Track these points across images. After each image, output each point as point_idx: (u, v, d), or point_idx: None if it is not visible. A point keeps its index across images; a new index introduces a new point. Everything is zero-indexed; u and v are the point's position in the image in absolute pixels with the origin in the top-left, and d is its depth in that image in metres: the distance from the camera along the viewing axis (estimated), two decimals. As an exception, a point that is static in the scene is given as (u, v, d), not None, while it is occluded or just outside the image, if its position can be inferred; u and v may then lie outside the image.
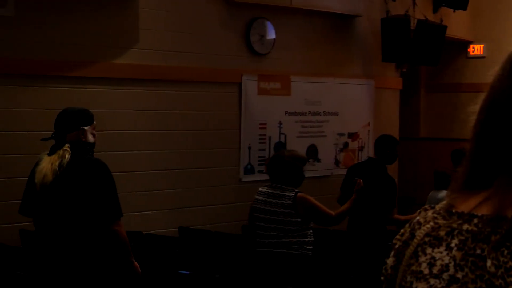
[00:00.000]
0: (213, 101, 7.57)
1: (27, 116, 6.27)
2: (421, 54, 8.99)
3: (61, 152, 3.54)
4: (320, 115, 8.66)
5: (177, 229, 6.31)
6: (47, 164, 3.53)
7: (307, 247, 4.89)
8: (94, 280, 3.40)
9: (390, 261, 1.34)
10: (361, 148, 9.13)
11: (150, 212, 6.92)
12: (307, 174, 5.42)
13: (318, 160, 8.58)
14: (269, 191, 5.00)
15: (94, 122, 3.71)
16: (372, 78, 9.24)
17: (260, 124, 8.02)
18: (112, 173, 3.63)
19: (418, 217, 1.32)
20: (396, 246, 1.34)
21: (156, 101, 7.13)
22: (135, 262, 3.63)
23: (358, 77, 9.07)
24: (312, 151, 8.54)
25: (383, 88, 9.45)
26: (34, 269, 4.01)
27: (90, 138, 3.64)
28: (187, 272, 4.30)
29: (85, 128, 3.62)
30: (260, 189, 5.14)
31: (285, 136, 8.28)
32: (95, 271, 3.41)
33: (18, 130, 6.23)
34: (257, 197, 5.06)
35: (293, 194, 4.88)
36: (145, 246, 5.41)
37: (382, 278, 1.36)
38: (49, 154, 3.58)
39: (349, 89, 8.91)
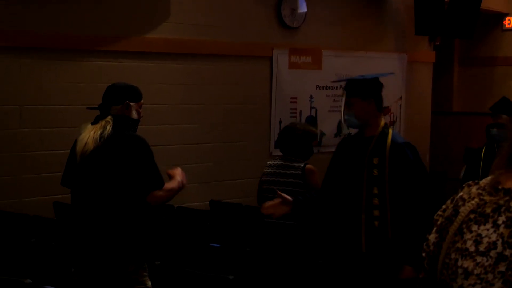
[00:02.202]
0: (244, 75, 7.56)
1: (60, 91, 6.34)
2: (455, 27, 8.84)
3: (103, 122, 3.58)
4: (352, 89, 8.58)
5: (208, 202, 6.34)
6: (89, 132, 3.57)
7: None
8: (125, 253, 3.45)
9: (432, 237, 1.30)
10: (392, 123, 9.07)
11: (181, 185, 6.96)
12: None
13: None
14: (279, 163, 5.12)
15: (142, 101, 3.72)
16: (404, 52, 9.13)
17: (291, 98, 8.00)
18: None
19: (461, 193, 1.28)
20: (438, 222, 1.30)
21: (188, 75, 7.15)
22: (178, 183, 3.65)
23: (390, 51, 8.97)
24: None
25: (415, 62, 9.34)
26: (67, 241, 4.07)
27: (134, 115, 3.65)
28: (218, 245, 4.33)
29: (131, 103, 3.64)
30: (268, 162, 5.25)
31: (316, 110, 8.25)
32: (128, 243, 3.45)
33: (52, 104, 6.31)
34: (266, 170, 5.16)
35: (302, 165, 5.02)
36: (177, 219, 5.46)
37: (423, 254, 1.32)
38: (93, 124, 3.62)
39: (381, 63, 8.81)
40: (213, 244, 4.37)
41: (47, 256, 4.03)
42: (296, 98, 8.04)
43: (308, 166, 5.01)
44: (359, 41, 8.60)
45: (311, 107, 8.21)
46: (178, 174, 3.72)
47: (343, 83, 4.10)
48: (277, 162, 5.14)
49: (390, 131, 3.77)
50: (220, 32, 7.34)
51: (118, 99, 3.63)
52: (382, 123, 3.79)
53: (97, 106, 3.69)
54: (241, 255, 4.12)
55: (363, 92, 3.79)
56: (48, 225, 5.00)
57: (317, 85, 8.24)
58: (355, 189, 3.73)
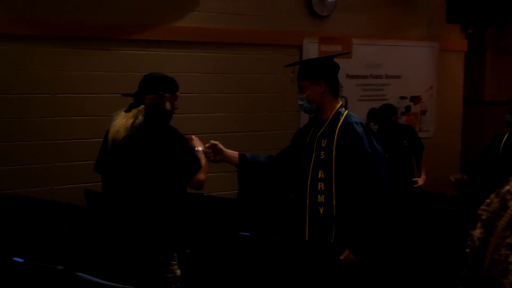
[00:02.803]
0: (273, 64, 7.54)
1: (91, 79, 6.39)
2: (488, 15, 8.71)
3: (135, 111, 3.59)
4: (382, 78, 8.54)
5: (237, 191, 6.35)
6: (122, 120, 3.59)
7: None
8: (154, 241, 3.47)
9: (477, 232, 1.24)
10: (423, 112, 8.99)
11: (210, 174, 6.98)
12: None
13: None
14: None
15: (177, 93, 3.72)
16: (436, 40, 9.03)
17: (321, 87, 7.96)
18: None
19: (508, 187, 1.23)
20: (483, 217, 1.24)
21: (217, 64, 7.15)
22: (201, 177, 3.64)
23: (422, 39, 8.88)
24: (373, 115, 8.44)
25: (447, 50, 9.23)
26: (98, 228, 4.11)
27: (168, 106, 3.65)
28: (247, 234, 4.34)
29: (165, 94, 3.64)
30: None
31: (346, 99, 8.20)
32: (158, 232, 3.47)
33: (82, 93, 6.36)
34: None
35: None
36: (206, 208, 5.48)
37: (467, 250, 1.27)
38: (126, 111, 3.64)
39: (412, 51, 8.73)
40: (242, 233, 4.37)
41: (78, 243, 4.07)
42: (325, 87, 8.00)
43: None
44: (389, 29, 8.53)
45: (341, 96, 8.15)
46: (197, 141, 3.78)
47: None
48: None
49: (345, 112, 3.56)
50: (249, 21, 7.32)
51: (153, 89, 3.63)
52: (338, 105, 3.58)
53: (132, 93, 3.70)
54: (271, 244, 4.12)
55: (312, 75, 3.62)
56: (79, 212, 5.06)
57: (347, 74, 8.19)
58: (303, 174, 3.57)
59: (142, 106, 3.58)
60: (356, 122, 3.48)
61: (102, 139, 3.75)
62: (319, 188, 3.47)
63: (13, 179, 5.99)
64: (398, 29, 8.64)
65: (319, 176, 3.47)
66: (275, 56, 7.58)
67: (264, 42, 7.44)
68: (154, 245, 3.47)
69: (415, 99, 8.88)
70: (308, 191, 3.51)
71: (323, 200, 3.45)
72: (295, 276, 3.47)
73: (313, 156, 3.51)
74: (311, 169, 3.51)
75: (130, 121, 3.55)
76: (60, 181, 6.24)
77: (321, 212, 3.45)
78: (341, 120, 3.50)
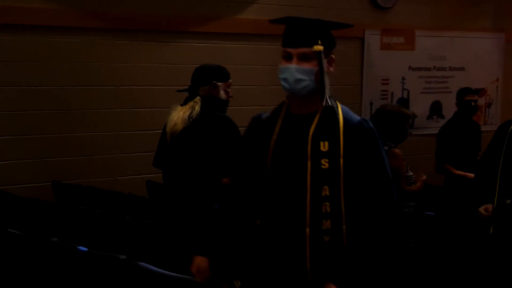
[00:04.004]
0: (334, 56, 7.47)
1: (153, 71, 6.46)
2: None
3: (191, 103, 3.62)
4: (445, 70, 8.38)
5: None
6: (178, 113, 3.62)
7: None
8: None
9: None
10: (488, 105, 8.78)
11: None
12: (431, 131, 5.29)
13: (443, 117, 8.34)
14: None
15: (230, 80, 3.73)
16: (502, 31, 8.80)
17: (383, 79, 7.87)
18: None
19: None
20: None
21: (277, 57, 7.11)
22: None
23: (487, 30, 8.66)
24: (436, 108, 8.30)
25: (514, 41, 8.99)
26: (159, 219, 4.16)
27: (222, 95, 3.67)
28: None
29: (218, 83, 3.65)
30: None
31: (408, 92, 8.09)
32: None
33: (145, 85, 6.44)
34: None
35: (387, 148, 4.73)
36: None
37: None
38: (182, 105, 3.67)
39: (477, 43, 8.54)
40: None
41: (140, 233, 4.12)
42: (387, 79, 7.90)
43: (392, 150, 4.77)
44: (453, 20, 8.35)
45: (403, 89, 8.05)
46: None
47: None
48: None
49: (339, 104, 2.68)
50: (310, 13, 7.27)
51: (205, 80, 3.66)
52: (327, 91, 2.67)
53: (186, 88, 3.73)
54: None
55: (326, 41, 2.78)
56: (141, 203, 5.12)
57: (409, 66, 8.07)
58: (293, 191, 2.53)
59: (197, 98, 3.61)
60: (365, 120, 2.65)
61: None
62: (324, 211, 2.52)
63: (77, 170, 6.11)
64: (463, 20, 8.45)
65: (324, 194, 2.52)
66: (337, 48, 7.49)
67: (325, 34, 7.38)
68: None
69: (480, 92, 8.68)
70: (308, 215, 2.51)
71: (329, 227, 2.51)
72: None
73: (309, 165, 2.52)
74: (309, 184, 2.52)
75: (187, 113, 3.58)
76: (122, 172, 6.34)
77: (327, 241, 2.52)
78: (341, 116, 2.60)
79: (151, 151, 4.09)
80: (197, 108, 3.58)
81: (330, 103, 2.63)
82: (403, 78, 8.03)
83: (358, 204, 2.54)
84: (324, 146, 2.55)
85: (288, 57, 2.67)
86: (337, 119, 2.59)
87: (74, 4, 6.03)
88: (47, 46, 5.95)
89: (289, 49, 2.67)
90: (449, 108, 8.36)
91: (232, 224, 2.66)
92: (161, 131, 3.95)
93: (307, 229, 2.51)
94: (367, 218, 2.53)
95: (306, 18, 2.75)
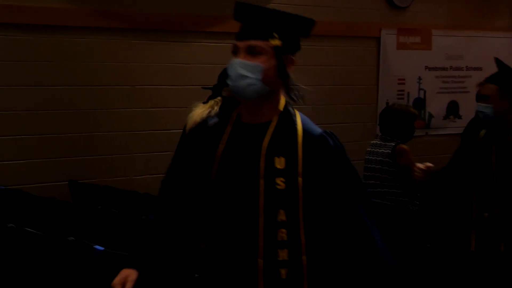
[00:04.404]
0: (350, 56, 7.46)
1: (169, 71, 6.47)
2: None
3: (212, 102, 3.61)
4: (462, 70, 8.33)
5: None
6: (199, 110, 3.62)
7: (404, 199, 4.80)
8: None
9: None
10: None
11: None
12: (447, 131, 5.28)
13: (459, 117, 8.29)
14: (376, 142, 5.06)
15: None
16: (521, 31, 8.73)
17: (399, 79, 7.83)
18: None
19: None
20: None
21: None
22: None
23: (505, 29, 8.59)
24: (453, 107, 8.25)
25: (532, 41, 8.91)
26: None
27: None
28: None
29: None
30: (371, 142, 5.18)
31: (425, 92, 8.05)
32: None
33: (161, 84, 6.45)
34: (367, 149, 5.10)
35: (394, 144, 4.90)
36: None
37: None
38: (204, 103, 3.68)
39: (495, 42, 8.47)
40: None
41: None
42: (404, 79, 7.87)
43: (399, 145, 4.89)
44: (471, 20, 8.30)
45: (419, 89, 8.02)
46: None
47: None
48: (376, 141, 5.10)
49: (297, 113, 2.31)
50: (326, 12, 7.26)
51: (220, 81, 3.66)
52: (283, 100, 2.27)
53: (211, 86, 3.73)
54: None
55: (283, 34, 2.34)
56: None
57: (426, 66, 8.03)
58: (242, 214, 2.16)
59: (219, 98, 3.60)
60: (328, 133, 2.32)
61: (180, 130, 3.79)
62: (279, 239, 2.14)
63: (93, 169, 6.14)
64: (480, 20, 8.39)
65: (279, 219, 2.13)
66: (352, 47, 7.49)
67: (341, 34, 7.37)
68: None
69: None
70: (260, 245, 2.14)
71: (286, 258, 2.14)
72: None
73: (262, 184, 2.14)
74: (261, 207, 2.13)
75: (206, 111, 3.58)
76: (138, 171, 6.35)
77: (284, 277, 2.14)
78: (300, 127, 2.23)
79: (167, 150, 4.11)
80: (216, 108, 3.58)
81: (288, 110, 2.25)
82: (420, 78, 7.99)
83: (322, 232, 2.14)
84: (280, 163, 2.14)
85: (235, 52, 2.26)
86: (295, 130, 2.20)
87: (88, 4, 6.06)
88: (63, 46, 5.98)
89: (236, 43, 2.26)
90: (466, 108, 8.30)
91: (166, 239, 2.27)
92: (178, 130, 3.95)
93: (260, 261, 2.12)
94: (336, 252, 2.15)
95: (258, 6, 2.29)
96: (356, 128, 7.49)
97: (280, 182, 2.14)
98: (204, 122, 2.43)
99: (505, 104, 3.81)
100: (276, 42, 2.24)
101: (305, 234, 2.14)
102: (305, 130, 2.22)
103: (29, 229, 3.58)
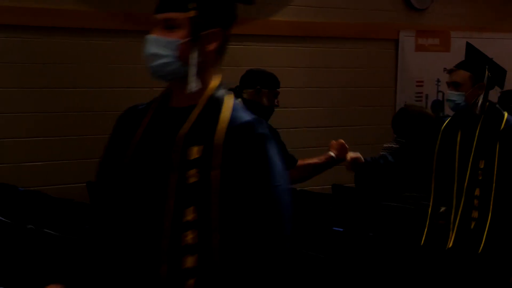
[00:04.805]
0: (368, 58, 7.44)
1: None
2: None
3: None
4: (482, 72, 8.27)
5: (330, 186, 6.31)
6: None
7: (425, 202, 4.75)
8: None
9: None
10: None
11: (303, 168, 6.97)
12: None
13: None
14: (391, 145, 4.97)
15: (277, 90, 3.72)
16: (541, 32, 8.66)
17: (417, 81, 7.80)
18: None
19: None
20: None
21: (311, 58, 7.11)
22: None
23: (524, 31, 8.54)
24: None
25: (552, 43, 8.83)
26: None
27: (264, 101, 3.66)
28: (341, 229, 4.30)
29: (262, 89, 3.65)
30: (384, 145, 5.10)
31: (443, 94, 8.00)
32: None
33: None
34: (380, 153, 5.03)
35: None
36: (299, 203, 5.47)
37: None
38: None
39: (516, 44, 8.41)
40: (335, 228, 4.34)
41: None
42: (422, 81, 7.83)
43: None
44: (491, 21, 8.24)
45: (438, 91, 7.97)
46: (333, 147, 3.70)
47: None
48: (391, 144, 5.01)
49: (230, 98, 1.93)
50: (344, 14, 7.24)
51: (250, 83, 3.66)
52: (217, 82, 1.93)
53: (232, 88, 3.74)
54: (364, 240, 4.07)
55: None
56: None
57: (444, 68, 7.97)
58: (149, 212, 1.87)
59: (239, 100, 3.61)
60: (259, 121, 1.90)
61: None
62: (187, 243, 1.81)
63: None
64: (500, 21, 8.33)
65: (187, 219, 1.81)
66: (370, 49, 7.47)
67: (359, 35, 7.34)
68: None
69: (516, 95, 8.56)
70: (164, 249, 1.82)
71: (194, 264, 1.81)
72: (388, 273, 3.41)
73: (171, 178, 1.84)
74: (170, 203, 1.83)
75: None
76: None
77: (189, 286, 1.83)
78: (226, 113, 1.87)
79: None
80: None
81: (218, 94, 1.89)
82: (438, 80, 7.95)
83: (237, 235, 1.80)
84: (195, 153, 1.82)
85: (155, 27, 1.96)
86: (219, 116, 1.85)
87: (105, 6, 6.08)
88: (81, 48, 6.01)
89: (156, 16, 1.99)
90: (485, 111, 8.25)
91: (93, 249, 1.98)
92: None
93: (164, 267, 1.81)
94: (243, 259, 1.79)
95: None
96: (374, 131, 7.46)
97: (192, 175, 1.81)
98: (134, 106, 2.11)
99: (478, 91, 3.62)
100: (193, 13, 1.87)
101: (220, 237, 1.79)
102: (232, 117, 1.87)
103: (47, 230, 3.60)
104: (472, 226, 3.50)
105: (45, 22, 5.83)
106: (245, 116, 1.89)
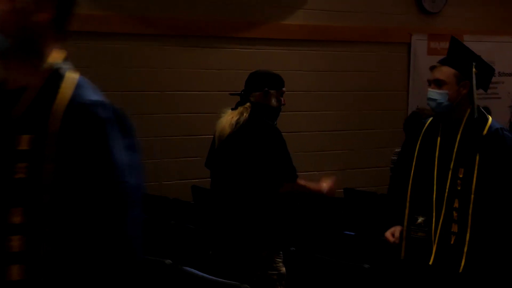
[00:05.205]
0: (380, 62, 7.42)
1: (198, 77, 6.50)
2: None
3: (241, 109, 3.62)
4: (494, 75, 8.21)
5: (342, 190, 6.30)
6: (227, 117, 3.63)
7: None
8: (259, 238, 3.48)
9: None
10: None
11: (315, 172, 6.96)
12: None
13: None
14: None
15: (283, 89, 3.73)
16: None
17: (429, 85, 7.78)
18: (282, 133, 3.66)
19: None
20: None
21: (323, 62, 7.11)
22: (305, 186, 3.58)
23: (538, 35, 8.49)
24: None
25: None
26: (204, 224, 4.18)
27: (273, 102, 3.66)
28: (352, 233, 4.29)
29: (270, 91, 3.65)
30: (395, 150, 5.07)
31: (456, 98, 7.97)
32: (262, 229, 3.48)
33: (190, 90, 6.48)
34: (392, 158, 5.00)
35: None
36: (311, 206, 5.47)
37: None
38: (233, 109, 3.68)
39: (527, 48, 8.37)
40: (347, 232, 4.33)
41: (185, 238, 4.14)
42: (434, 85, 7.81)
43: None
44: (502, 25, 8.20)
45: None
46: (326, 182, 3.65)
47: None
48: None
49: (74, 75, 1.63)
50: (356, 18, 7.24)
51: (258, 86, 3.65)
52: (55, 57, 1.62)
53: (239, 92, 3.74)
54: (376, 244, 4.06)
55: None
56: (187, 208, 5.15)
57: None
58: None
59: (248, 104, 3.61)
60: (102, 103, 1.59)
61: (211, 136, 3.81)
62: (10, 250, 1.52)
63: (124, 174, 6.17)
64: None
65: (13, 221, 1.51)
66: (382, 53, 7.46)
67: (371, 39, 7.34)
68: (258, 241, 3.49)
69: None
70: None
71: (19, 277, 1.51)
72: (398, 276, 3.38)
73: (2, 173, 1.54)
74: None
75: (235, 118, 3.59)
76: (167, 177, 6.38)
77: None
78: (65, 91, 1.56)
79: (196, 156, 4.12)
80: (246, 114, 3.59)
81: (59, 72, 1.59)
82: (451, 84, 7.92)
83: (70, 242, 1.50)
84: (24, 143, 1.52)
85: None
86: (55, 98, 1.54)
87: (120, 10, 6.11)
88: (94, 52, 6.04)
89: None
90: (498, 114, 8.19)
91: None
92: (208, 136, 3.97)
93: None
94: (77, 271, 1.51)
95: None
96: (386, 134, 7.44)
97: (20, 169, 1.51)
98: None
99: (462, 90, 3.24)
100: None
101: (51, 245, 1.50)
102: (72, 96, 1.55)
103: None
104: (452, 241, 3.14)
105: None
106: (88, 95, 1.58)
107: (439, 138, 3.25)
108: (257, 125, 3.55)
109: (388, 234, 3.31)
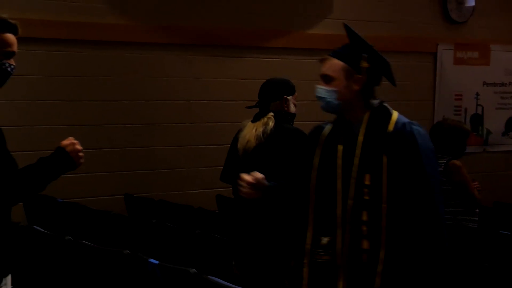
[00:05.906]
0: (406, 71, 7.38)
1: (224, 86, 6.51)
2: None
3: (265, 119, 3.62)
4: (519, 85, 8.15)
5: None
6: (251, 130, 3.63)
7: (463, 217, 4.66)
8: (286, 248, 3.47)
9: None
10: None
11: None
12: (506, 148, 5.15)
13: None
14: None
15: (296, 93, 3.75)
16: None
17: (456, 95, 7.71)
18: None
19: None
20: None
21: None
22: None
23: None
24: (512, 124, 8.08)
25: None
26: (229, 233, 4.17)
27: (292, 108, 3.68)
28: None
29: (288, 97, 3.67)
30: None
31: (482, 108, 7.90)
32: (288, 239, 3.47)
33: (217, 99, 6.49)
34: None
35: (445, 161, 4.72)
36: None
37: None
38: (253, 121, 3.68)
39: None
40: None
41: (210, 247, 4.14)
42: (461, 95, 7.74)
43: (452, 161, 4.72)
44: (531, 35, 8.13)
45: (477, 105, 7.87)
46: None
47: None
48: None
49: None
50: (382, 27, 7.21)
51: (277, 95, 3.66)
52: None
53: (255, 104, 3.74)
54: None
55: None
56: (211, 217, 5.15)
57: (484, 81, 7.88)
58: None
59: (271, 114, 3.61)
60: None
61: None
62: None
63: (148, 183, 6.20)
64: (540, 34, 8.21)
65: None
66: (408, 63, 7.41)
67: (397, 49, 7.30)
68: (286, 252, 3.47)
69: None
70: None
71: None
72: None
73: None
74: None
75: (261, 129, 3.59)
76: (192, 186, 6.39)
77: None
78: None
79: (221, 165, 4.11)
80: (271, 124, 3.59)
81: None
82: (477, 94, 7.85)
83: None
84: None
85: None
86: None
87: (145, 20, 6.15)
88: (121, 61, 6.08)
89: None
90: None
91: None
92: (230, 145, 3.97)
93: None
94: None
95: None
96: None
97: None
98: None
99: (354, 87, 2.85)
100: None
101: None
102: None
103: (85, 242, 3.63)
104: (364, 260, 2.66)
105: (88, 36, 5.91)
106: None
107: (340, 146, 2.81)
108: (287, 133, 3.55)
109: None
